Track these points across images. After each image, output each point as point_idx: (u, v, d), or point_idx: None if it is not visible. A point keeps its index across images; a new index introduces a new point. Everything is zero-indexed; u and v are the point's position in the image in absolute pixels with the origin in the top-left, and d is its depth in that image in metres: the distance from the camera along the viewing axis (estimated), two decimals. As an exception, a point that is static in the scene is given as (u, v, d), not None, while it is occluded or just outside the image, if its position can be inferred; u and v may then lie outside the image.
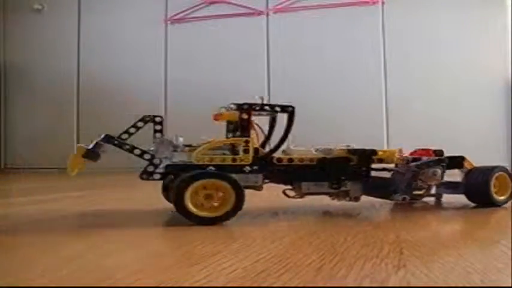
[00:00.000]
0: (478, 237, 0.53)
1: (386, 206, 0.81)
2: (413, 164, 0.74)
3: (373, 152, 0.72)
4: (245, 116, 0.64)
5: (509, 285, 0.33)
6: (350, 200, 0.71)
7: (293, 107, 0.68)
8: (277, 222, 0.64)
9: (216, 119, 0.67)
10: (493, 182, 0.76)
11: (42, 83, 2.74)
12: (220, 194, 0.59)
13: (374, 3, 2.29)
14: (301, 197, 0.70)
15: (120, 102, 2.57)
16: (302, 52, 2.37)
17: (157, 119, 0.70)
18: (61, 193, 1.18)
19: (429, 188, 0.81)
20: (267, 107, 0.66)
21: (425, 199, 0.84)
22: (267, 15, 2.43)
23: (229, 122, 0.68)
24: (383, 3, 2.29)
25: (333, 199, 0.73)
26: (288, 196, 0.72)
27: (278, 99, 2.51)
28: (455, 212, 0.74)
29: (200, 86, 2.48)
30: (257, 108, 0.65)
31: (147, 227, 0.62)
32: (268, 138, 0.71)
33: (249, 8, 2.44)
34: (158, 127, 0.70)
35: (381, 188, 0.73)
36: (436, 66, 2.21)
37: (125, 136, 0.66)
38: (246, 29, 2.45)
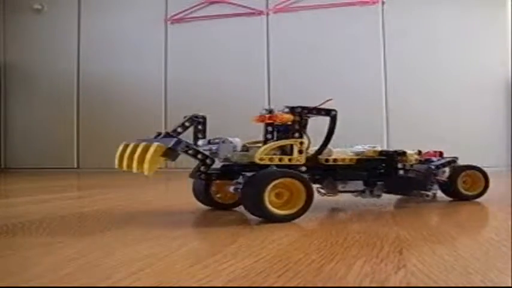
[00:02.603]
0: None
1: (387, 203, 0.81)
2: (434, 164, 0.83)
3: (403, 153, 0.78)
4: (299, 119, 0.68)
5: (509, 285, 0.33)
6: (373, 196, 0.77)
7: (336, 111, 0.72)
8: (277, 222, 0.64)
9: (262, 121, 0.69)
10: (461, 179, 0.85)
11: (42, 83, 2.74)
12: (289, 193, 0.63)
13: (374, 3, 2.29)
14: (335, 194, 0.75)
15: (120, 102, 2.57)
16: (302, 52, 2.37)
17: (201, 119, 0.71)
18: (61, 193, 1.18)
19: (433, 184, 0.87)
20: (314, 111, 0.70)
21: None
22: (267, 15, 2.43)
23: (268, 124, 0.70)
24: (383, 3, 2.29)
25: (356, 196, 0.77)
26: (324, 194, 0.75)
27: (278, 99, 2.52)
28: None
29: (200, 86, 2.48)
30: (307, 111, 0.69)
31: (146, 227, 0.62)
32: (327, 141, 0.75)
33: (249, 8, 2.45)
34: (201, 127, 0.71)
35: (407, 186, 0.80)
36: (436, 66, 2.21)
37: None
38: (246, 29, 2.45)
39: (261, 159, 0.64)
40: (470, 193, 0.86)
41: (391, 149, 0.79)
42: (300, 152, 0.67)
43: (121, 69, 2.62)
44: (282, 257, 0.42)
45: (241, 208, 0.77)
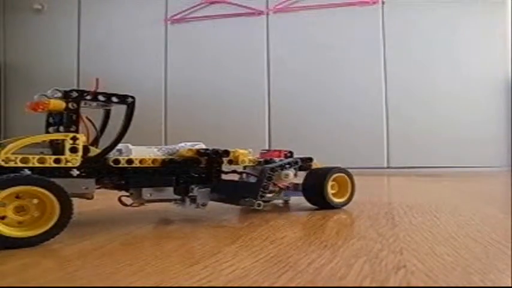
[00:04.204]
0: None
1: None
2: (268, 166, 0.69)
3: (225, 152, 0.66)
4: (73, 106, 0.53)
5: (509, 285, 0.33)
6: (197, 207, 0.64)
7: (134, 98, 0.58)
8: (276, 222, 0.64)
9: (34, 109, 0.53)
10: (329, 183, 0.73)
11: (42, 83, 2.74)
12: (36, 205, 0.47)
13: (374, 3, 2.29)
14: (141, 204, 0.63)
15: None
16: (302, 52, 2.37)
17: None
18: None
19: (280, 190, 0.78)
20: (101, 97, 0.55)
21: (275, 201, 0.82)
22: (267, 15, 2.43)
23: (50, 114, 0.55)
24: (383, 3, 2.29)
25: (178, 206, 0.66)
26: (125, 204, 0.63)
27: (278, 99, 2.51)
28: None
29: (200, 86, 2.48)
30: (88, 97, 0.54)
31: (144, 226, 0.62)
32: (100, 134, 0.61)
33: (249, 8, 2.45)
34: None
35: (232, 193, 0.67)
36: (436, 66, 2.21)
37: None
38: (246, 29, 2.45)
39: (6, 159, 0.48)
40: (339, 200, 0.75)
41: (211, 148, 0.66)
42: (73, 150, 0.52)
43: (121, 69, 2.62)
44: (282, 257, 0.42)
45: (239, 209, 0.77)
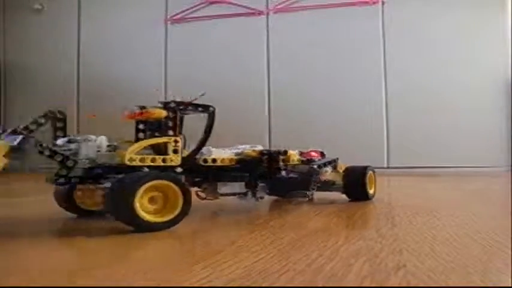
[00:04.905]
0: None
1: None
2: (317, 164, 0.81)
3: (283, 153, 0.75)
4: (172, 115, 0.62)
5: (509, 285, 0.33)
6: (256, 200, 0.73)
7: (214, 108, 0.68)
8: (276, 222, 0.64)
9: (133, 117, 0.62)
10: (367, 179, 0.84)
11: (42, 83, 2.74)
12: (164, 198, 0.56)
13: (374, 3, 2.29)
14: (216, 198, 0.71)
15: (120, 102, 2.55)
16: (302, 52, 2.37)
17: (60, 116, 0.64)
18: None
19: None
20: (190, 107, 0.65)
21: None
22: (267, 15, 2.43)
23: (140, 121, 0.63)
24: (383, 3, 2.29)
25: (240, 199, 0.74)
26: (203, 198, 0.72)
27: (278, 99, 2.50)
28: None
29: (200, 86, 2.47)
30: (182, 107, 0.64)
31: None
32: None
33: (249, 8, 2.44)
34: (61, 124, 0.64)
35: (290, 187, 0.79)
36: (436, 66, 2.21)
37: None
38: (246, 29, 2.45)
39: (130, 159, 0.57)
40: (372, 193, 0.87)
41: (273, 149, 0.76)
42: (175, 151, 0.61)
43: (121, 69, 2.62)
44: (282, 257, 0.42)
45: (239, 209, 0.77)
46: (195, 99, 0.65)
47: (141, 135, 0.62)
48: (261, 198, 0.74)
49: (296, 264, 0.39)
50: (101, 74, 2.65)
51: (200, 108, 0.66)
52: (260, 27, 2.43)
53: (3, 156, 0.52)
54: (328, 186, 0.86)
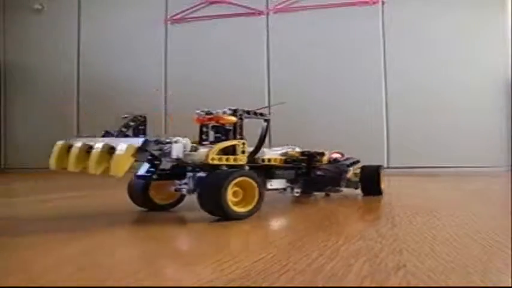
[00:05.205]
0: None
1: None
2: (345, 163, 0.91)
3: (321, 154, 0.86)
4: (240, 120, 0.71)
5: (509, 285, 0.33)
6: (293, 194, 0.84)
7: (269, 117, 0.77)
8: (276, 223, 0.64)
9: (202, 121, 0.72)
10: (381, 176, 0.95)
11: (42, 83, 2.74)
12: (244, 192, 0.65)
13: (374, 3, 2.29)
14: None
15: (120, 102, 2.56)
16: (302, 52, 2.37)
17: (142, 119, 0.70)
18: (62, 193, 1.18)
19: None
20: (252, 114, 0.74)
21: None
22: (267, 15, 2.43)
23: (203, 126, 0.72)
24: (383, 3, 2.29)
25: (280, 193, 0.84)
26: None
27: (278, 99, 2.49)
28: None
29: (200, 86, 2.48)
30: (248, 114, 0.73)
31: (145, 227, 0.62)
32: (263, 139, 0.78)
33: (249, 8, 2.44)
34: (142, 127, 0.69)
35: (322, 184, 0.88)
36: (436, 66, 2.21)
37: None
38: (246, 29, 2.45)
39: (212, 159, 0.65)
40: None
41: (311, 150, 0.87)
42: (243, 152, 0.69)
43: (121, 69, 2.62)
44: (282, 257, 0.42)
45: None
46: (259, 108, 0.75)
47: (204, 137, 0.72)
48: (297, 193, 0.84)
49: (296, 264, 0.39)
50: (101, 74, 2.65)
51: (260, 116, 0.75)
52: (260, 27, 2.43)
53: (131, 155, 0.57)
54: (347, 182, 0.94)
